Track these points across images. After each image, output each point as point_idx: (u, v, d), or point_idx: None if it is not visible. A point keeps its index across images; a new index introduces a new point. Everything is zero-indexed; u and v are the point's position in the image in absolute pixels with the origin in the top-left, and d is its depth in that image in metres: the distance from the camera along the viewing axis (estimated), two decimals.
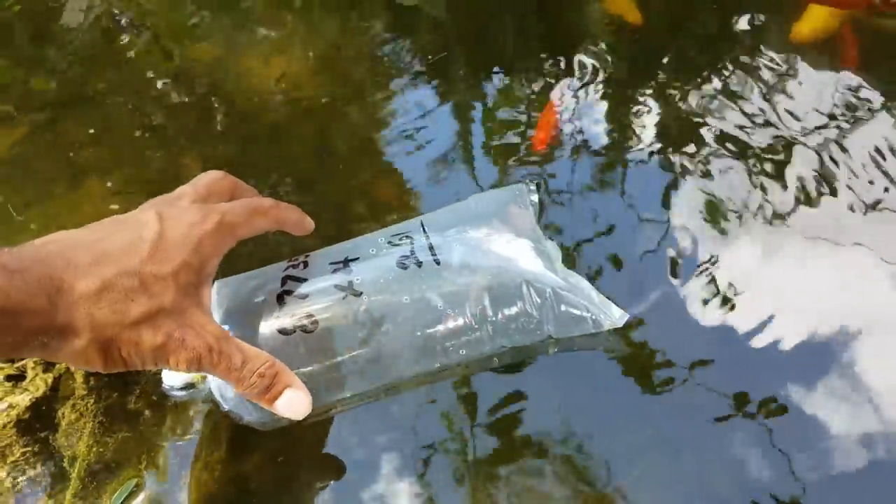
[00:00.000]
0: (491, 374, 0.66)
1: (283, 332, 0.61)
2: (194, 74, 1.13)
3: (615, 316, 0.63)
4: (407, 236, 0.67)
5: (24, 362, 0.74)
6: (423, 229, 0.68)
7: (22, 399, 0.71)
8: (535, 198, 0.75)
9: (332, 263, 0.66)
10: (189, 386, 0.65)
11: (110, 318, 0.47)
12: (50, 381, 0.72)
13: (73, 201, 0.95)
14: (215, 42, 1.19)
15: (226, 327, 0.62)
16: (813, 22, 0.93)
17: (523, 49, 1.06)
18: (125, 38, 1.24)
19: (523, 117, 0.94)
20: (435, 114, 0.97)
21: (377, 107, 1.02)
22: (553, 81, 0.97)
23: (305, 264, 0.67)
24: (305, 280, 0.64)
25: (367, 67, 1.09)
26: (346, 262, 0.65)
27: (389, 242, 0.67)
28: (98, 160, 1.01)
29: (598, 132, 0.89)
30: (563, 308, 0.62)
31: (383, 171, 0.91)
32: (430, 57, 1.05)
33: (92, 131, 1.06)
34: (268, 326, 0.61)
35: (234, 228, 0.58)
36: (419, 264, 0.64)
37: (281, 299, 0.62)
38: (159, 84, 1.13)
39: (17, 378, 0.73)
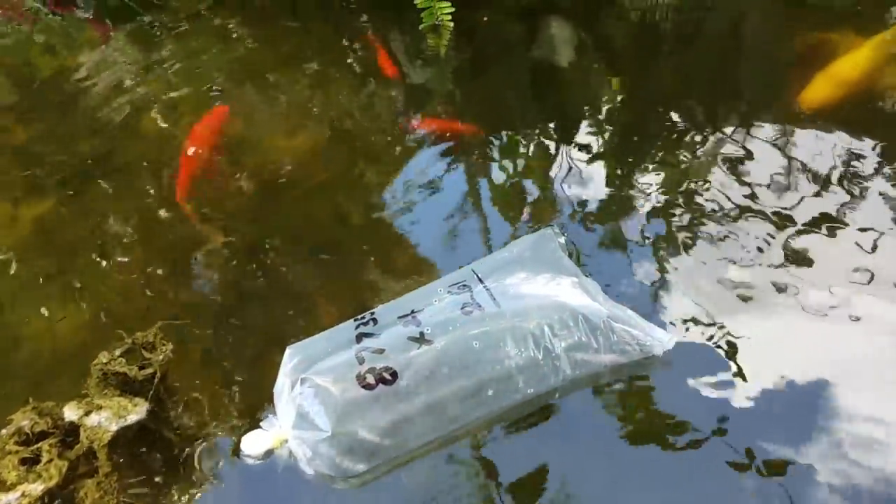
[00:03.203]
0: (504, 438, 0.68)
1: (366, 387, 0.65)
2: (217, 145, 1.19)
3: (664, 339, 0.69)
4: (464, 285, 0.73)
5: (39, 445, 0.74)
6: (477, 276, 0.74)
7: (35, 488, 0.70)
8: (563, 240, 0.82)
9: (400, 317, 0.71)
10: (269, 453, 0.68)
11: None
12: (64, 468, 0.71)
13: (96, 272, 0.98)
14: (237, 116, 1.26)
15: (309, 388, 0.66)
16: (818, 92, 1.00)
17: (527, 118, 1.14)
18: (151, 113, 1.30)
19: (528, 181, 1.01)
20: (445, 181, 1.04)
21: (391, 174, 1.09)
22: (555, 145, 1.05)
23: (374, 321, 0.72)
24: (378, 335, 0.69)
25: (383, 137, 1.17)
26: (413, 314, 0.71)
27: (449, 292, 0.73)
28: (121, 231, 1.05)
29: (598, 195, 0.95)
30: (616, 336, 0.68)
31: (396, 239, 0.96)
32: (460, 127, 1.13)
33: (116, 203, 1.10)
34: (351, 384, 0.65)
35: None
36: (482, 309, 0.69)
37: (360, 356, 0.67)
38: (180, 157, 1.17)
39: (31, 461, 0.73)
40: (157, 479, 0.72)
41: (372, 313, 0.73)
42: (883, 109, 0.99)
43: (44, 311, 0.94)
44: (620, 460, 0.66)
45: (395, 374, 0.66)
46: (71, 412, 0.74)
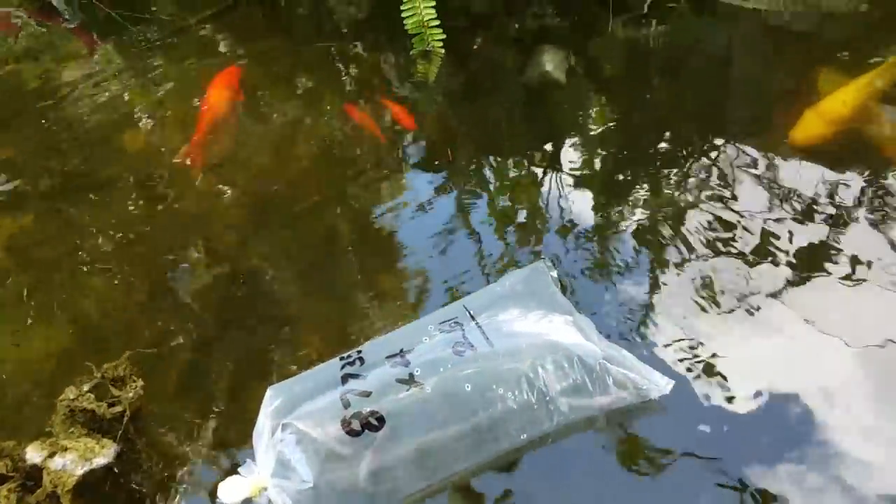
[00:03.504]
0: (491, 474, 0.66)
1: (351, 433, 0.62)
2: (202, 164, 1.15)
3: (661, 384, 0.67)
4: (456, 322, 0.70)
5: None
6: (469, 313, 0.71)
7: None
8: (555, 273, 0.80)
9: (388, 357, 0.68)
10: (246, 502, 0.65)
11: None
12: None
13: (74, 289, 0.94)
14: (226, 133, 1.22)
15: (290, 434, 0.62)
16: (807, 129, 1.01)
17: (518, 142, 1.13)
18: (136, 127, 1.27)
19: (520, 204, 0.99)
20: (435, 204, 1.02)
21: (381, 195, 1.06)
22: (545, 170, 1.04)
23: (361, 360, 0.68)
24: (365, 376, 0.66)
25: (373, 157, 1.14)
26: (402, 353, 0.68)
27: (440, 329, 0.70)
28: (101, 249, 1.01)
29: (587, 220, 0.93)
30: (612, 379, 0.66)
31: (386, 256, 0.94)
32: (449, 152, 1.11)
33: (98, 219, 1.06)
34: (335, 429, 0.62)
35: None
36: (474, 349, 0.67)
37: (345, 400, 0.64)
38: (168, 174, 1.14)
39: None
40: None
41: (358, 352, 0.70)
42: (870, 146, 0.99)
43: (12, 334, 0.89)
44: (612, 496, 0.64)
45: (381, 420, 0.62)
46: (34, 453, 0.69)
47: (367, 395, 0.64)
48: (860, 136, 1.00)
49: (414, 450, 0.62)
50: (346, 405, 0.63)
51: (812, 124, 1.01)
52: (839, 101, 1.03)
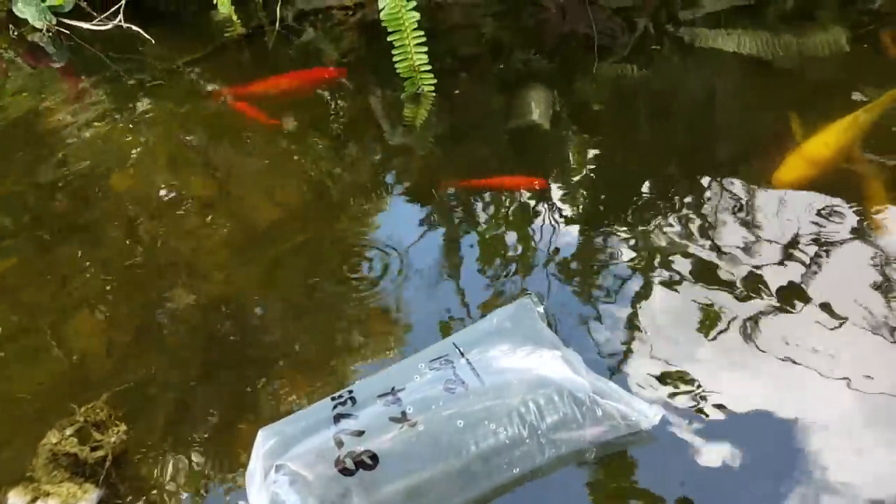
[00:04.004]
0: None
1: (345, 472, 0.62)
2: (191, 206, 1.16)
3: (649, 414, 0.69)
4: (447, 360, 0.72)
5: None
6: (459, 350, 0.73)
7: None
8: (542, 309, 0.82)
9: (379, 396, 0.68)
10: None
11: None
12: None
13: (59, 330, 0.93)
14: (213, 174, 1.24)
15: (284, 476, 0.62)
16: (791, 171, 1.03)
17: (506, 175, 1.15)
18: (123, 167, 1.26)
19: (506, 242, 1.01)
20: (423, 243, 1.03)
21: (370, 235, 1.08)
22: (533, 208, 1.05)
23: (353, 400, 0.69)
24: (357, 416, 0.66)
25: (361, 199, 1.15)
26: (394, 392, 0.68)
27: (430, 367, 0.71)
28: (87, 290, 1.00)
29: (574, 258, 0.95)
30: (602, 410, 0.68)
31: (372, 299, 0.94)
32: (434, 192, 1.12)
33: (84, 260, 1.05)
34: (329, 469, 0.62)
35: None
36: (465, 385, 0.68)
37: (339, 440, 0.64)
38: (154, 215, 1.14)
39: None
40: None
41: (350, 391, 0.70)
42: (852, 185, 1.02)
43: None
44: None
45: (375, 458, 0.63)
46: (16, 499, 0.68)
47: (360, 434, 0.64)
48: (843, 177, 1.03)
49: (408, 487, 0.63)
50: (340, 444, 0.63)
51: (796, 166, 1.03)
52: (822, 142, 1.05)
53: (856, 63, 1.31)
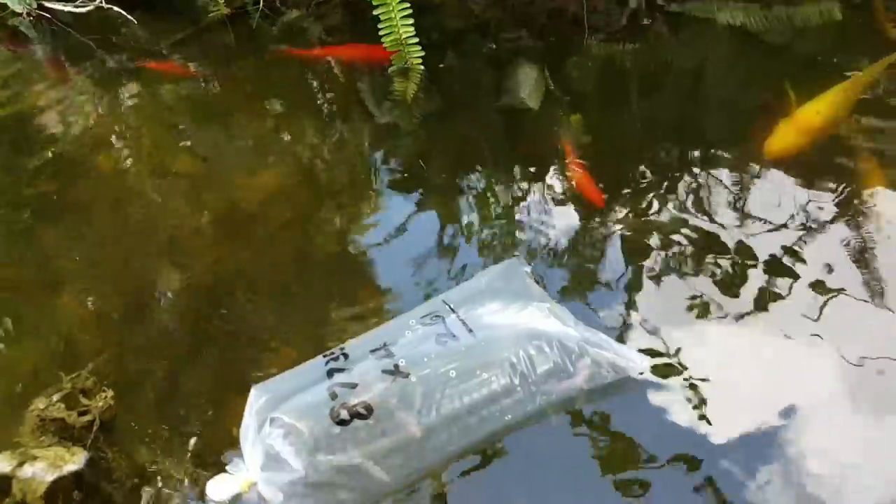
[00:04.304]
0: (466, 483, 0.66)
1: (341, 423, 0.62)
2: (177, 186, 1.15)
3: (637, 361, 0.70)
4: (437, 315, 0.72)
5: None
6: (449, 306, 0.73)
7: None
8: (529, 269, 0.83)
9: (372, 351, 0.68)
10: (236, 498, 0.64)
11: None
12: None
13: (46, 308, 0.92)
14: (199, 155, 1.22)
15: (279, 428, 0.62)
16: (782, 140, 1.02)
17: (494, 160, 1.14)
18: (108, 150, 1.24)
19: (497, 220, 1.00)
20: (411, 221, 1.02)
21: (357, 215, 1.07)
22: (522, 186, 1.04)
23: (345, 356, 0.69)
24: (350, 370, 0.66)
25: (348, 177, 1.15)
26: (386, 347, 0.68)
27: (421, 323, 0.71)
28: (74, 269, 0.99)
29: (564, 234, 0.94)
30: (591, 359, 0.68)
31: (361, 276, 0.94)
32: (422, 163, 1.12)
33: (71, 240, 1.04)
34: (325, 420, 0.62)
35: None
36: (456, 338, 0.68)
37: (332, 392, 0.64)
38: (140, 195, 1.12)
39: None
40: None
41: (342, 348, 0.70)
42: (843, 155, 1.02)
43: None
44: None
45: (369, 409, 0.63)
46: (3, 464, 0.67)
47: (354, 386, 0.64)
48: (834, 145, 1.03)
49: (402, 437, 0.63)
50: (334, 397, 0.63)
51: (786, 135, 1.03)
52: (812, 111, 1.06)
53: (848, 33, 1.31)
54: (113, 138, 1.28)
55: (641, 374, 0.71)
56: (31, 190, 1.16)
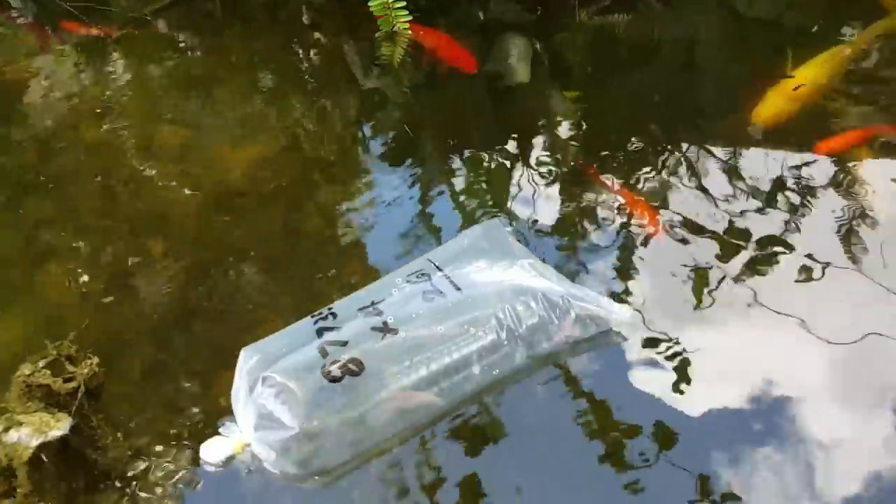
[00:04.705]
0: (455, 452, 0.67)
1: (333, 380, 0.63)
2: (163, 157, 1.12)
3: (619, 312, 0.73)
4: (423, 273, 0.73)
5: None
6: (435, 265, 0.74)
7: None
8: (510, 228, 0.84)
9: (360, 309, 0.69)
10: (230, 459, 0.65)
11: None
12: None
13: (31, 281, 0.90)
14: (185, 125, 1.19)
15: (270, 388, 0.63)
16: (771, 107, 1.02)
17: (484, 131, 1.13)
18: (93, 121, 1.20)
19: (484, 195, 0.99)
20: (401, 191, 1.01)
21: (345, 186, 1.06)
22: (511, 159, 1.02)
23: (334, 315, 0.70)
24: (340, 328, 0.67)
25: (336, 148, 1.13)
26: (374, 305, 0.69)
27: (408, 281, 0.72)
28: (59, 241, 0.97)
29: (553, 208, 0.93)
30: (576, 312, 0.71)
31: (350, 248, 0.94)
32: (408, 129, 1.11)
33: (55, 212, 1.02)
34: (316, 377, 0.63)
35: None
36: (443, 295, 0.69)
37: (323, 350, 0.65)
38: (125, 167, 1.10)
39: None
40: (82, 500, 0.66)
41: (329, 308, 0.71)
42: (832, 122, 1.02)
43: None
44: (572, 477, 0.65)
45: (360, 365, 0.64)
46: None
47: (344, 344, 0.65)
48: (822, 112, 1.03)
49: (393, 392, 0.64)
50: (325, 354, 0.64)
51: (775, 102, 1.03)
52: (800, 78, 1.06)
53: (838, 5, 1.31)
54: (97, 109, 1.24)
55: (626, 339, 0.73)
56: (14, 160, 1.14)
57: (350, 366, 0.64)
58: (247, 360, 0.67)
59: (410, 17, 1.27)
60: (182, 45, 1.44)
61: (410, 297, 0.70)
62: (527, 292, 0.70)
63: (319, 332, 0.67)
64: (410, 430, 0.67)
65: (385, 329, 0.66)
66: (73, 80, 1.34)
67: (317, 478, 0.64)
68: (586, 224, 0.92)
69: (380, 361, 0.65)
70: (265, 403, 0.62)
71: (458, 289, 0.70)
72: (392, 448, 0.67)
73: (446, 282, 0.71)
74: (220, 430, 0.66)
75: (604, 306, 0.72)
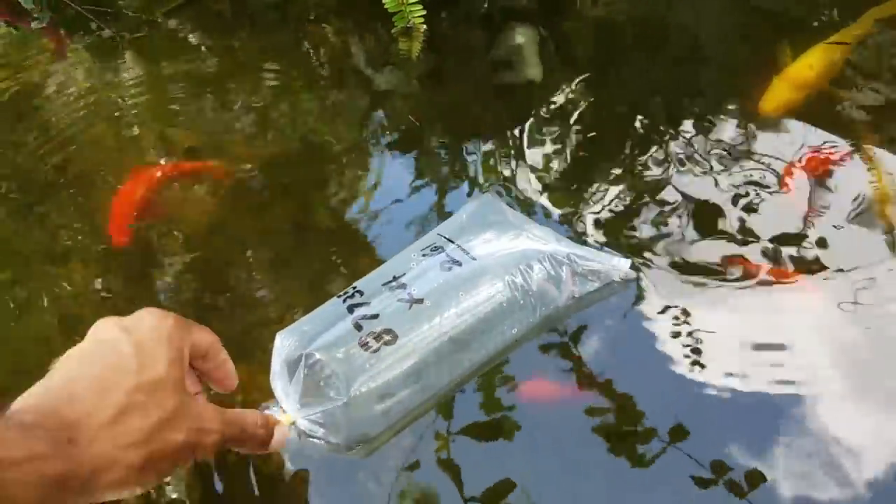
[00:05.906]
0: (471, 446, 0.72)
1: (371, 350, 0.68)
2: (177, 156, 1.15)
3: (621, 265, 0.80)
4: (436, 246, 0.78)
5: None
6: (445, 237, 0.79)
7: None
8: (504, 200, 0.90)
9: (384, 284, 0.74)
10: None
11: (132, 438, 0.46)
12: None
13: (50, 284, 0.92)
14: (197, 124, 1.22)
15: (311, 363, 0.67)
16: (776, 97, 1.02)
17: (490, 123, 1.16)
18: (109, 123, 1.23)
19: (493, 187, 1.01)
20: (410, 188, 1.05)
21: (355, 183, 1.09)
22: (519, 150, 1.04)
23: (360, 293, 0.74)
24: (369, 303, 0.72)
25: (346, 145, 1.16)
26: (396, 279, 0.74)
27: (423, 255, 0.77)
28: (76, 242, 1.00)
29: (561, 198, 0.96)
30: (581, 266, 0.78)
31: (360, 245, 0.98)
32: (413, 119, 1.14)
33: (72, 213, 1.06)
34: (356, 350, 0.68)
35: (188, 324, 0.57)
36: (459, 264, 0.75)
37: (357, 325, 0.69)
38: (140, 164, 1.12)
39: None
40: None
41: (354, 287, 0.75)
42: (839, 109, 1.02)
43: None
44: (578, 473, 0.69)
45: (394, 335, 0.69)
46: None
47: (376, 316, 0.70)
48: (828, 99, 1.03)
49: (427, 357, 0.70)
50: (359, 328, 0.69)
51: (780, 91, 1.03)
52: (805, 65, 1.06)
53: None
54: (112, 110, 1.28)
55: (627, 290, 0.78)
56: (34, 164, 1.16)
57: (384, 336, 0.68)
58: (283, 342, 0.70)
59: (424, 12, 1.29)
60: (193, 45, 1.46)
61: (428, 268, 0.75)
62: (535, 255, 0.77)
63: (350, 309, 0.71)
64: (448, 387, 0.72)
65: (411, 300, 0.71)
66: (90, 84, 1.37)
67: (360, 448, 0.68)
68: (592, 206, 0.95)
69: (412, 330, 0.69)
70: (310, 379, 0.66)
71: (474, 258, 0.76)
72: (427, 411, 0.73)
73: (460, 251, 0.77)
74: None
75: (604, 261, 0.79)
